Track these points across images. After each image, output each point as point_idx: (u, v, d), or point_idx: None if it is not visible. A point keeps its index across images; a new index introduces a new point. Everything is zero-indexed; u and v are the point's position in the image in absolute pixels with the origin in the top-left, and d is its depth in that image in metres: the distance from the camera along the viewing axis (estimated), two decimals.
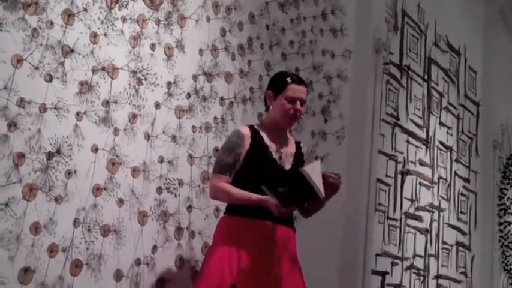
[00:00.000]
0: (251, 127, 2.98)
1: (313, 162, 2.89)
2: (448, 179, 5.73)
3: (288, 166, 2.93)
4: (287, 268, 2.84)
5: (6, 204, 2.35)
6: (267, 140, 2.94)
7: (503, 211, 6.67)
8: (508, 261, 6.68)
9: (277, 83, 2.97)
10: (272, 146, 2.94)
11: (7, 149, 2.37)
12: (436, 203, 5.47)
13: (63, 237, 2.55)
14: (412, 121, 5.19)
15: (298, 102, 2.92)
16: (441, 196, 5.56)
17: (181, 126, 3.16)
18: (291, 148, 3.02)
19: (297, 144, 3.08)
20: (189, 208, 3.16)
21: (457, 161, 5.91)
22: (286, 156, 2.96)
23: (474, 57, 6.35)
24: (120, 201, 2.81)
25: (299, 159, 3.00)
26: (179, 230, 3.10)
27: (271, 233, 2.82)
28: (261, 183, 2.70)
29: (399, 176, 4.92)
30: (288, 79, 2.95)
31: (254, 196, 2.77)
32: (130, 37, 2.92)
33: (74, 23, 2.65)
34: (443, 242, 5.51)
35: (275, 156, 2.93)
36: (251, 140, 2.90)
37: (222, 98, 3.41)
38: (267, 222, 2.81)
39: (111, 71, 2.82)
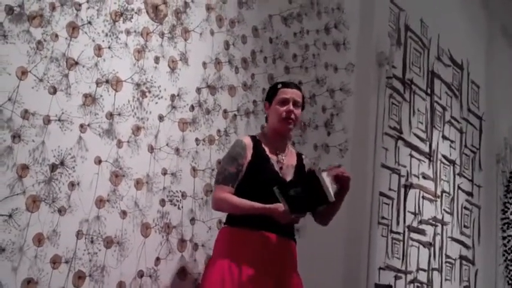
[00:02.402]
0: (253, 138, 2.99)
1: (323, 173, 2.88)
2: (451, 192, 5.72)
3: (289, 178, 2.93)
4: (288, 280, 2.83)
5: (10, 216, 2.35)
6: (268, 151, 2.94)
7: (506, 225, 6.66)
8: (511, 275, 6.65)
9: (270, 91, 3.04)
10: (273, 158, 2.94)
11: (11, 160, 2.38)
12: (440, 217, 5.46)
13: (66, 249, 2.55)
14: (415, 135, 5.20)
15: (290, 104, 2.93)
16: (444, 210, 5.56)
17: (185, 138, 3.17)
18: (291, 160, 3.02)
19: (299, 156, 3.08)
20: (192, 220, 3.16)
21: (460, 174, 5.90)
22: (287, 168, 2.96)
23: (477, 72, 6.36)
24: (123, 213, 2.81)
25: (300, 171, 3.00)
26: (182, 242, 3.10)
27: (272, 245, 2.81)
28: (262, 195, 2.72)
29: (402, 190, 4.92)
30: (279, 85, 3.01)
31: (258, 205, 2.76)
32: (135, 50, 2.94)
33: (78, 36, 2.67)
34: (447, 256, 5.50)
35: (276, 167, 2.93)
36: (253, 150, 2.91)
37: (225, 111, 3.42)
38: (268, 233, 2.81)
39: (115, 84, 2.83)
